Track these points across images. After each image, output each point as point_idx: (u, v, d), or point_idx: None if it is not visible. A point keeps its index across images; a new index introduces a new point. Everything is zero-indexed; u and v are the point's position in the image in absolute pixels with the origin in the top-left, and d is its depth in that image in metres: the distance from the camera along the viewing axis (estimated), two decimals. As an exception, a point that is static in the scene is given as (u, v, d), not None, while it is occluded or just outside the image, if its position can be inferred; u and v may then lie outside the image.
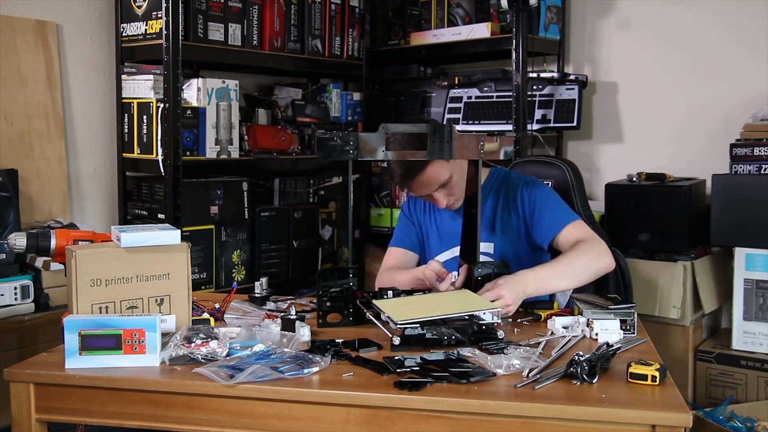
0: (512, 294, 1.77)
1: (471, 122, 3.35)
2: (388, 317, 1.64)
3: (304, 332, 1.61)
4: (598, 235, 2.01)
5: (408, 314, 1.64)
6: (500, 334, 1.63)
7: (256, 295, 1.98)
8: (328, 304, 1.80)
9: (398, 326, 1.61)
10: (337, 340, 1.62)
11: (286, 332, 1.63)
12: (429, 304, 1.78)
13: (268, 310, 1.88)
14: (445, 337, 1.62)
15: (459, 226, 2.07)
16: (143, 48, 2.85)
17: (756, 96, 2.97)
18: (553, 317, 1.75)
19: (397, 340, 1.60)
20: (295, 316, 1.70)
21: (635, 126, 3.33)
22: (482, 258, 2.00)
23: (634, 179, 2.97)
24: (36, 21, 2.80)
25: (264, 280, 2.00)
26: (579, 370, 1.39)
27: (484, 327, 1.64)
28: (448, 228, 2.17)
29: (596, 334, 1.67)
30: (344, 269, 1.81)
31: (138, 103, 2.85)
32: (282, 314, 1.77)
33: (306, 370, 1.42)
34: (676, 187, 2.83)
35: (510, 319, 1.84)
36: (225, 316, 1.82)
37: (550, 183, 2.35)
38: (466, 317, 1.67)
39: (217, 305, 1.86)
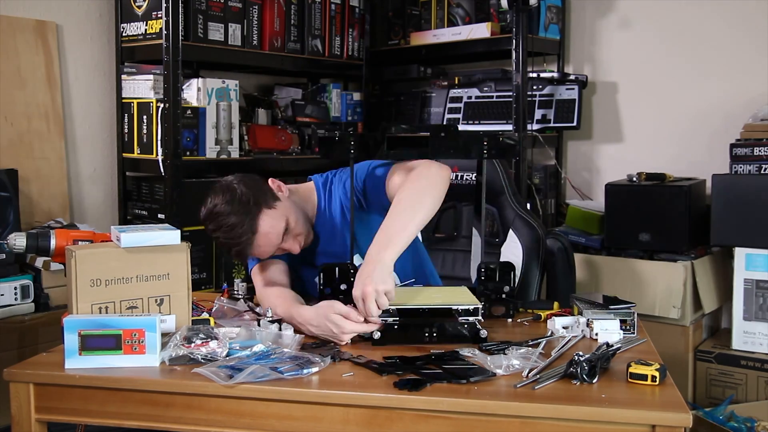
0: (363, 282, 1.59)
1: (471, 122, 3.35)
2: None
3: (288, 334, 1.62)
4: (428, 164, 1.81)
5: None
6: (483, 333, 1.63)
7: (236, 294, 1.99)
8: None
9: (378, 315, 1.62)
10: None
11: (286, 333, 1.63)
12: (417, 296, 1.77)
13: (245, 310, 1.88)
14: (426, 334, 1.63)
15: (327, 244, 1.95)
16: (143, 48, 2.85)
17: (756, 96, 2.97)
18: (553, 317, 1.75)
19: (377, 335, 1.61)
20: (270, 318, 1.71)
21: (635, 126, 3.33)
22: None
23: (634, 179, 2.97)
24: (36, 21, 2.80)
25: (242, 284, 2.00)
26: (579, 370, 1.39)
27: (465, 326, 1.64)
28: (320, 247, 2.00)
29: (596, 334, 1.67)
30: (345, 266, 1.82)
31: (138, 103, 2.85)
32: (260, 318, 1.76)
33: (305, 371, 1.42)
34: (676, 187, 2.83)
35: (510, 320, 1.84)
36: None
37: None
38: (447, 312, 1.66)
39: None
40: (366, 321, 1.62)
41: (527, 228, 2.30)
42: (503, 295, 1.84)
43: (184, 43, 2.76)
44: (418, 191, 1.74)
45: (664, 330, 2.79)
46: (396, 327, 1.64)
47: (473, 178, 2.40)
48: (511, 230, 2.34)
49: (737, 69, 3.05)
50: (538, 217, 3.04)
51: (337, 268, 1.80)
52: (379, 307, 1.60)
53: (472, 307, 1.65)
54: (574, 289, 2.33)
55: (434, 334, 1.63)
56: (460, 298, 1.71)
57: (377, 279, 1.60)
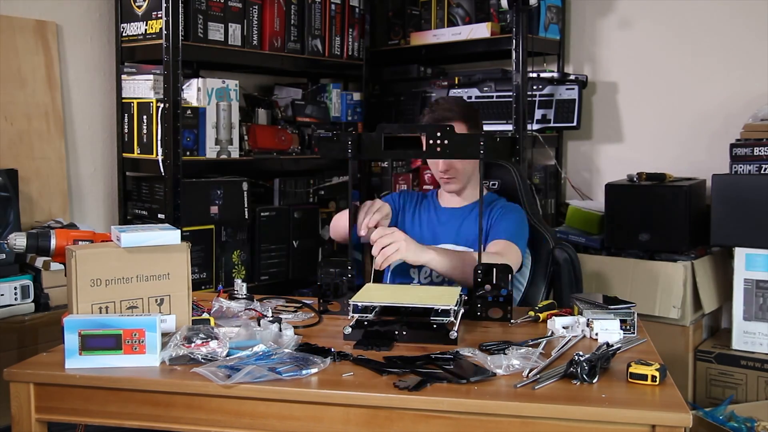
0: (405, 240, 1.91)
1: (471, 122, 3.35)
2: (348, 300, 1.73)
3: (288, 334, 1.62)
4: (511, 263, 1.99)
5: (367, 298, 1.72)
6: (452, 334, 1.63)
7: (236, 294, 1.99)
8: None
9: (351, 305, 1.69)
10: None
11: (286, 333, 1.63)
12: (398, 293, 1.84)
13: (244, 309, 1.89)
14: (396, 332, 1.65)
15: (431, 233, 2.22)
16: (143, 48, 2.85)
17: (756, 96, 2.97)
18: (553, 317, 1.75)
19: (348, 330, 1.66)
20: (271, 318, 1.72)
21: (635, 126, 3.33)
22: None
23: (634, 179, 2.97)
24: (36, 21, 2.80)
25: (243, 284, 2.01)
26: (579, 370, 1.39)
27: (435, 326, 1.65)
28: (426, 231, 2.27)
29: (596, 334, 1.67)
30: (343, 262, 1.87)
31: (138, 103, 2.85)
32: (260, 318, 1.77)
33: (304, 372, 1.42)
34: (676, 187, 2.83)
35: (511, 322, 1.84)
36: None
37: (496, 183, 2.47)
38: (420, 310, 1.68)
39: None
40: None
41: (537, 237, 2.31)
42: (500, 298, 1.85)
43: (184, 43, 2.76)
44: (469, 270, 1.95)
45: (664, 330, 2.79)
46: (366, 323, 1.66)
47: (491, 186, 2.43)
48: None
49: (737, 69, 3.05)
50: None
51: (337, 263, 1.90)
52: (380, 252, 1.88)
53: (441, 308, 1.66)
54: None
55: (404, 333, 1.65)
56: (441, 299, 1.72)
57: (412, 247, 1.93)
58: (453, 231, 2.24)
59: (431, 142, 1.85)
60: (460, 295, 1.79)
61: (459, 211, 2.29)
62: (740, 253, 2.71)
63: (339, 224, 2.31)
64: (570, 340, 1.65)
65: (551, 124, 3.23)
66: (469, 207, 2.29)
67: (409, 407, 1.35)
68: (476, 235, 2.09)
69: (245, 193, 3.02)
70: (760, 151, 2.67)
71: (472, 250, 2.12)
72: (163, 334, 1.52)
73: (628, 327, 1.70)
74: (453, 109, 2.24)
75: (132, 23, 2.88)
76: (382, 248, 1.89)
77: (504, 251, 2.07)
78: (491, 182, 2.46)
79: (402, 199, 2.39)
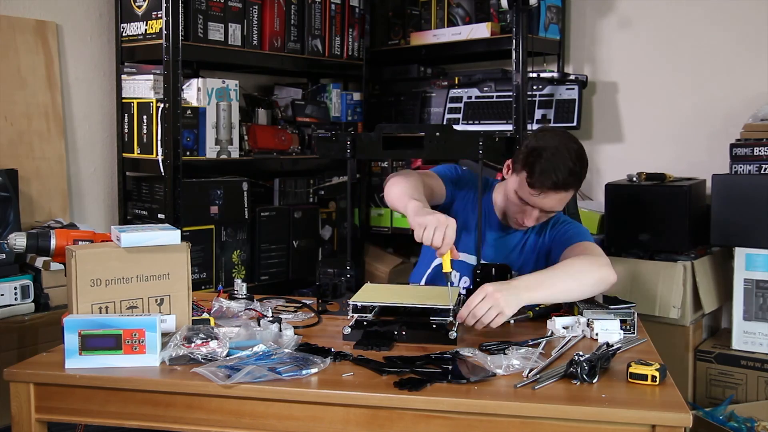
0: (500, 292, 1.66)
1: (471, 122, 3.35)
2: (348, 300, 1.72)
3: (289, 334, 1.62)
4: (605, 255, 1.95)
5: (366, 298, 1.72)
6: (452, 335, 1.63)
7: (236, 294, 2.00)
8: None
9: (350, 305, 1.69)
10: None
11: (286, 333, 1.63)
12: (397, 293, 1.82)
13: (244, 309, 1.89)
14: (395, 332, 1.65)
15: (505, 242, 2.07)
16: (143, 48, 2.85)
17: (756, 96, 2.97)
18: (553, 317, 1.75)
19: (347, 330, 1.66)
20: (271, 318, 1.72)
21: (635, 126, 3.33)
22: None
23: (634, 179, 2.97)
24: (36, 21, 2.80)
25: (243, 284, 2.01)
26: (579, 370, 1.39)
27: (435, 326, 1.65)
28: (488, 233, 2.12)
29: (596, 334, 1.67)
30: (343, 262, 1.87)
31: (138, 103, 2.85)
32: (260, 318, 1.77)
33: (304, 372, 1.42)
34: (676, 187, 2.83)
35: (512, 321, 1.84)
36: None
37: None
38: (420, 310, 1.68)
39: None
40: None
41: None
42: None
43: (184, 43, 2.76)
44: (593, 271, 1.82)
45: (664, 330, 2.79)
46: (366, 323, 1.66)
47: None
48: None
49: (737, 69, 3.05)
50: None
51: (336, 263, 1.90)
52: (477, 321, 1.66)
53: (441, 308, 1.66)
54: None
55: (404, 333, 1.65)
56: (440, 298, 1.72)
57: (510, 300, 1.67)
58: (506, 253, 2.12)
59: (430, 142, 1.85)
60: (460, 295, 1.79)
61: (515, 233, 2.14)
62: (740, 253, 2.71)
63: (391, 196, 1.98)
64: (570, 340, 1.66)
65: (551, 124, 3.23)
66: (528, 229, 2.11)
67: (409, 407, 1.35)
68: (526, 260, 2.08)
69: (245, 193, 3.03)
70: (760, 151, 2.67)
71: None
72: (163, 334, 1.52)
73: (628, 327, 1.70)
74: (579, 178, 1.96)
75: (132, 23, 2.88)
76: (479, 318, 1.67)
77: (589, 249, 1.94)
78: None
79: (460, 184, 2.17)
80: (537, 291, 1.74)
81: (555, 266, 1.86)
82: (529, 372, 1.43)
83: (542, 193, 1.92)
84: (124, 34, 2.92)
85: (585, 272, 1.82)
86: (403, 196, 1.87)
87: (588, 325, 1.69)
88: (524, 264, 2.08)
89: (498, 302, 1.65)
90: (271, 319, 1.72)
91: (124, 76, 2.91)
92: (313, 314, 1.91)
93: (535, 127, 3.21)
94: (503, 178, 2.08)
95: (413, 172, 2.03)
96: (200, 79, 2.89)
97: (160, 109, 2.74)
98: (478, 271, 1.85)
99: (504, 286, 1.71)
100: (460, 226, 1.82)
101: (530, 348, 1.57)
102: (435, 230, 1.68)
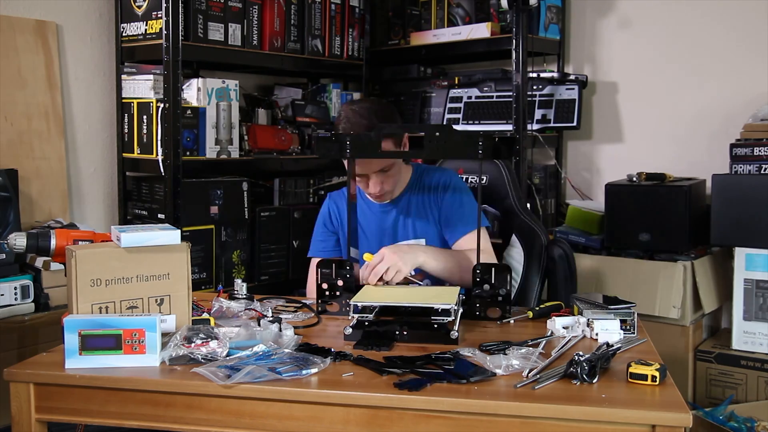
0: (396, 251, 1.90)
1: (471, 122, 3.35)
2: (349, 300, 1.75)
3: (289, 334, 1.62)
4: (491, 251, 2.13)
5: (367, 298, 1.73)
6: (453, 334, 1.63)
7: (236, 294, 1.99)
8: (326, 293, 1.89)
9: (351, 306, 1.70)
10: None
11: (286, 333, 1.63)
12: (397, 293, 1.83)
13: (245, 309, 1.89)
14: (396, 332, 1.65)
15: (387, 225, 2.16)
16: (143, 48, 2.85)
17: (756, 96, 2.97)
18: (553, 317, 1.75)
19: (348, 330, 1.66)
20: (271, 318, 1.72)
21: (635, 126, 3.33)
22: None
23: (634, 179, 2.97)
24: (36, 21, 2.80)
25: (243, 284, 2.02)
26: (579, 370, 1.39)
27: (435, 326, 1.65)
28: (375, 226, 2.20)
29: (596, 334, 1.67)
30: (342, 261, 1.87)
31: (138, 103, 2.85)
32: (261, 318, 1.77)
33: (304, 372, 1.42)
34: (676, 187, 2.83)
35: (512, 321, 1.84)
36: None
37: (485, 179, 2.43)
38: (420, 310, 1.68)
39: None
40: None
41: (530, 233, 2.31)
42: (499, 298, 1.85)
43: (184, 43, 2.76)
44: (466, 270, 1.95)
45: (664, 330, 2.79)
46: (366, 323, 1.66)
47: (477, 180, 2.42)
48: (514, 234, 2.35)
49: (737, 69, 3.05)
50: (539, 218, 3.04)
51: (335, 263, 1.89)
52: (381, 279, 1.87)
53: (442, 307, 1.65)
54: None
55: (405, 333, 1.65)
56: (440, 298, 1.72)
57: (406, 258, 1.91)
58: (407, 228, 2.18)
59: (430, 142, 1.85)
60: (459, 295, 1.79)
61: (397, 203, 2.20)
62: (740, 253, 2.71)
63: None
64: (570, 340, 1.65)
65: (551, 124, 3.23)
66: (404, 197, 2.19)
67: (409, 407, 1.35)
68: (433, 228, 2.15)
69: (245, 193, 3.03)
70: (760, 151, 2.67)
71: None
72: (163, 334, 1.52)
73: (628, 327, 1.70)
74: (372, 123, 2.02)
75: (132, 23, 2.88)
76: (381, 276, 1.88)
77: (483, 246, 1.99)
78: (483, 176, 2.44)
79: (333, 214, 2.27)
80: (432, 260, 1.99)
81: (456, 252, 2.08)
82: (529, 372, 1.43)
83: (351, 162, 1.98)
84: (124, 34, 2.92)
85: (464, 273, 1.97)
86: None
87: (588, 325, 1.69)
88: (419, 223, 2.17)
89: (396, 262, 1.88)
90: (271, 319, 1.72)
91: (124, 76, 2.91)
92: (313, 314, 1.91)
93: (535, 127, 3.22)
94: None
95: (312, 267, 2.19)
96: (200, 79, 2.89)
97: (160, 109, 2.74)
98: (478, 272, 1.85)
99: (403, 248, 1.98)
100: (356, 236, 2.02)
101: (530, 348, 1.57)
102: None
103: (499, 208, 2.41)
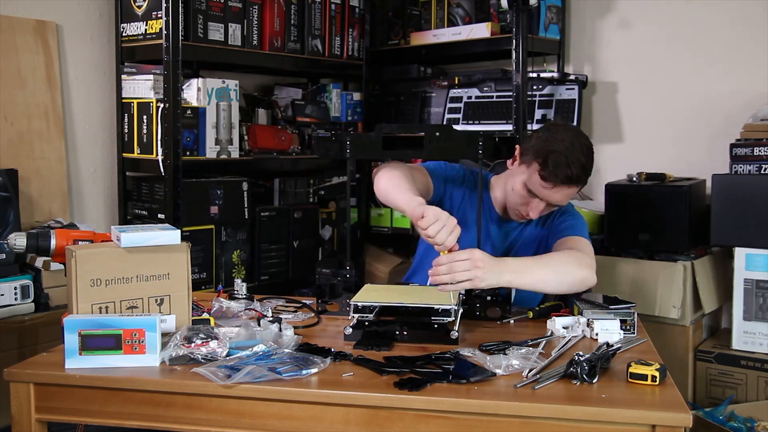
0: (485, 263, 1.66)
1: (471, 122, 3.35)
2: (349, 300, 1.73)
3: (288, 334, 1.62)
4: (593, 255, 1.96)
5: (367, 298, 1.72)
6: (453, 334, 1.63)
7: (236, 294, 2.00)
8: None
9: (352, 305, 1.69)
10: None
11: (286, 333, 1.63)
12: (397, 293, 1.82)
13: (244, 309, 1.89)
14: (396, 332, 1.65)
15: (499, 239, 2.07)
16: (143, 48, 2.85)
17: (756, 96, 2.97)
18: (553, 317, 1.75)
19: (349, 330, 1.66)
20: (271, 318, 1.72)
21: (635, 126, 3.33)
22: None
23: (634, 179, 2.97)
24: (36, 21, 2.80)
25: (243, 284, 2.01)
26: (579, 370, 1.39)
27: (436, 326, 1.65)
28: (489, 233, 2.12)
29: (596, 334, 1.67)
30: (342, 262, 1.88)
31: (138, 103, 2.85)
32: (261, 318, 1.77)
33: (304, 372, 1.42)
34: (676, 187, 2.83)
35: (512, 321, 1.84)
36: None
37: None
38: (420, 310, 1.67)
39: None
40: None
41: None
42: (499, 298, 1.85)
43: (184, 43, 2.76)
44: (575, 270, 1.83)
45: (664, 330, 2.79)
46: (367, 323, 1.66)
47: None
48: None
49: (737, 69, 3.05)
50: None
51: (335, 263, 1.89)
52: (449, 277, 1.65)
53: (442, 307, 1.65)
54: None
55: (405, 333, 1.65)
56: (441, 298, 1.71)
57: (490, 275, 1.68)
58: (506, 246, 2.11)
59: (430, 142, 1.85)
60: (459, 295, 1.79)
61: (516, 225, 2.14)
62: (740, 253, 2.71)
63: (383, 187, 1.92)
64: (570, 340, 1.66)
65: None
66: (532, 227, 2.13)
67: (409, 407, 1.35)
68: (524, 249, 2.08)
69: (245, 193, 3.03)
70: (760, 151, 2.67)
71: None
72: (163, 334, 1.52)
73: (628, 327, 1.70)
74: (587, 172, 1.98)
75: (132, 23, 2.88)
76: (454, 274, 1.66)
77: (578, 246, 1.93)
78: None
79: (456, 182, 2.15)
80: (519, 277, 1.75)
81: (542, 256, 1.89)
82: (529, 372, 1.43)
83: (555, 187, 1.92)
84: (124, 34, 2.92)
85: (567, 270, 1.83)
86: (399, 188, 1.83)
87: (588, 325, 1.69)
88: (522, 253, 2.08)
89: (478, 271, 1.65)
90: (271, 319, 1.72)
91: (124, 76, 2.91)
92: (312, 314, 1.91)
93: (535, 126, 3.21)
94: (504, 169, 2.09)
95: (402, 164, 1.99)
96: (200, 79, 2.89)
97: (160, 109, 2.74)
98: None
99: (493, 260, 1.71)
100: (458, 222, 1.78)
101: (530, 348, 1.57)
102: (443, 226, 1.66)
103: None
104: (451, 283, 1.66)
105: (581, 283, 1.84)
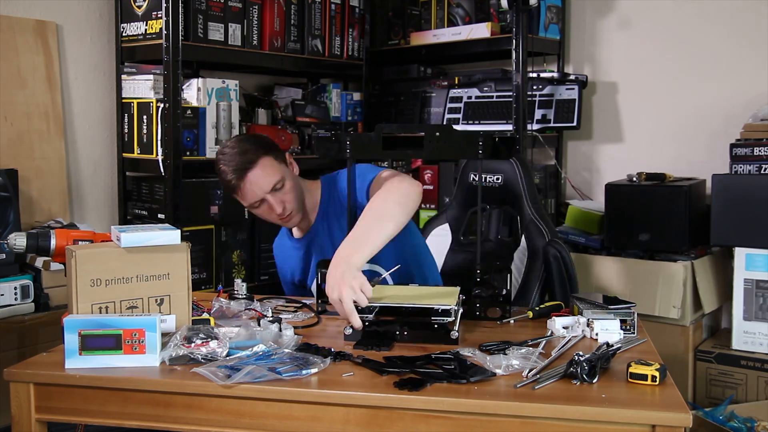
0: (337, 284, 1.64)
1: (471, 122, 3.35)
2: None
3: (288, 334, 1.62)
4: (401, 173, 1.96)
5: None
6: (453, 334, 1.63)
7: (236, 294, 2.00)
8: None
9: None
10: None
11: (286, 333, 1.63)
12: (398, 293, 1.81)
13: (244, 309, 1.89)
14: (396, 332, 1.65)
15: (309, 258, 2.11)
16: (143, 48, 2.85)
17: (756, 96, 2.97)
18: (553, 317, 1.75)
19: (349, 330, 1.66)
20: (271, 318, 1.72)
21: (635, 126, 3.33)
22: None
23: (634, 179, 2.97)
24: (36, 21, 2.80)
25: (243, 284, 2.02)
26: (579, 370, 1.39)
27: (436, 326, 1.65)
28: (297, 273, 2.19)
29: (596, 334, 1.67)
30: None
31: (138, 103, 2.85)
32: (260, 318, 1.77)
33: (304, 372, 1.42)
34: (676, 187, 2.83)
35: (512, 321, 1.84)
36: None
37: (500, 177, 2.43)
38: (420, 310, 1.67)
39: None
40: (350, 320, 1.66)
41: (536, 234, 2.32)
42: (499, 298, 1.85)
43: (184, 43, 2.76)
44: (389, 202, 1.82)
45: (664, 330, 2.79)
46: (367, 323, 1.66)
47: (495, 180, 2.43)
48: (523, 235, 2.36)
49: (737, 69, 3.05)
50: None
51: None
52: (358, 306, 1.64)
53: (442, 308, 1.65)
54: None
55: (405, 333, 1.65)
56: (441, 298, 1.71)
57: (348, 278, 1.64)
58: (323, 254, 2.11)
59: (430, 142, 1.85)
60: (459, 296, 1.79)
61: (313, 233, 2.16)
62: (740, 253, 2.71)
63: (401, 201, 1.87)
64: (570, 340, 1.65)
65: (551, 124, 3.23)
66: (319, 218, 2.15)
67: (409, 407, 1.35)
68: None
69: (245, 193, 3.02)
70: (760, 151, 2.67)
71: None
72: (163, 334, 1.52)
73: (628, 327, 1.70)
74: (247, 154, 1.99)
75: (132, 23, 2.88)
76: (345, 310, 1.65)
77: (385, 177, 1.92)
78: (495, 177, 2.45)
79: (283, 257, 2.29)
80: (363, 250, 1.72)
81: (364, 216, 1.81)
82: (529, 372, 1.43)
83: (239, 185, 1.98)
84: (124, 34, 2.92)
85: (392, 207, 1.81)
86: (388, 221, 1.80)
87: (588, 325, 1.69)
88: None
89: (347, 291, 1.63)
90: (271, 319, 1.72)
91: (124, 76, 2.91)
92: (313, 314, 1.91)
93: (535, 127, 3.22)
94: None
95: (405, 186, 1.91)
96: (200, 79, 2.89)
97: (160, 109, 2.74)
98: (478, 272, 1.85)
99: (334, 271, 1.68)
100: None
101: (530, 348, 1.57)
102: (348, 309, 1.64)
103: (515, 207, 2.42)
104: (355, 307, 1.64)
105: (411, 200, 1.85)
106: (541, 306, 1.89)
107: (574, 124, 3.18)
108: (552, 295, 2.26)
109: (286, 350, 1.53)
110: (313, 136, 3.29)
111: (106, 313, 1.55)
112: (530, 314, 1.86)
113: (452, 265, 2.47)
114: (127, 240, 1.57)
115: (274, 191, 2.01)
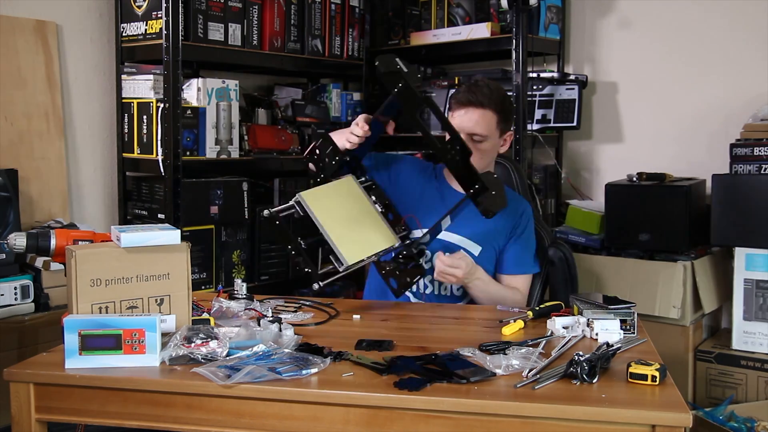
0: (467, 271, 1.99)
1: (471, 122, 3.35)
2: (339, 253, 1.88)
3: (288, 334, 1.62)
4: (525, 298, 2.21)
5: (355, 251, 1.89)
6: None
7: (236, 294, 1.99)
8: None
9: (349, 267, 1.84)
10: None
11: (286, 333, 1.63)
12: (362, 226, 1.99)
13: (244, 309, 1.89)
14: None
15: (427, 209, 2.19)
16: (143, 48, 2.85)
17: (756, 96, 2.97)
18: (553, 317, 1.75)
19: (316, 287, 1.80)
20: (270, 318, 1.72)
21: (635, 126, 3.33)
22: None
23: (634, 179, 2.97)
24: (36, 21, 2.80)
25: (243, 284, 2.02)
26: (579, 370, 1.39)
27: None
28: (422, 205, 2.22)
29: (596, 334, 1.67)
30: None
31: (138, 103, 2.85)
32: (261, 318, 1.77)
33: (304, 372, 1.42)
34: (676, 187, 2.84)
35: (512, 321, 1.84)
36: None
37: None
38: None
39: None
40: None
41: (537, 237, 2.31)
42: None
43: (184, 43, 2.76)
44: (497, 300, 2.10)
45: (664, 330, 2.79)
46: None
47: None
48: None
49: (737, 69, 3.05)
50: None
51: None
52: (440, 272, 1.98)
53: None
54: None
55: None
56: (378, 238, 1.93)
57: (468, 275, 2.01)
58: (455, 218, 2.14)
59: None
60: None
61: (451, 199, 2.19)
62: (740, 253, 2.71)
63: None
64: (570, 340, 1.65)
65: (551, 124, 3.23)
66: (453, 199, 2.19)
67: (409, 407, 1.35)
68: (477, 231, 2.15)
69: (245, 193, 3.02)
70: (760, 151, 2.67)
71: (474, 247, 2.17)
72: (163, 334, 1.52)
73: (628, 327, 1.70)
74: (491, 97, 2.15)
75: (132, 23, 2.88)
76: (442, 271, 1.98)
77: (521, 289, 2.18)
78: None
79: (407, 163, 2.38)
80: (479, 290, 2.08)
81: (496, 283, 2.16)
82: (529, 372, 1.43)
83: (460, 108, 2.15)
84: (124, 34, 2.92)
85: (501, 301, 2.09)
86: None
87: (588, 325, 1.69)
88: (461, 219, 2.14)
89: (462, 275, 1.98)
90: (271, 319, 1.72)
91: (124, 76, 2.91)
92: (313, 314, 1.91)
93: (535, 127, 3.22)
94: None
95: None
96: (200, 79, 2.89)
97: (160, 109, 2.74)
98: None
99: (474, 269, 2.04)
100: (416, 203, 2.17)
101: (530, 348, 1.57)
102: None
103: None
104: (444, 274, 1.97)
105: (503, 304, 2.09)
106: (541, 306, 1.90)
107: (574, 124, 3.18)
108: (554, 295, 2.26)
109: (286, 350, 1.53)
110: (313, 137, 3.28)
111: (106, 313, 1.55)
112: (530, 314, 1.86)
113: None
114: (127, 240, 1.57)
115: (468, 136, 2.11)
